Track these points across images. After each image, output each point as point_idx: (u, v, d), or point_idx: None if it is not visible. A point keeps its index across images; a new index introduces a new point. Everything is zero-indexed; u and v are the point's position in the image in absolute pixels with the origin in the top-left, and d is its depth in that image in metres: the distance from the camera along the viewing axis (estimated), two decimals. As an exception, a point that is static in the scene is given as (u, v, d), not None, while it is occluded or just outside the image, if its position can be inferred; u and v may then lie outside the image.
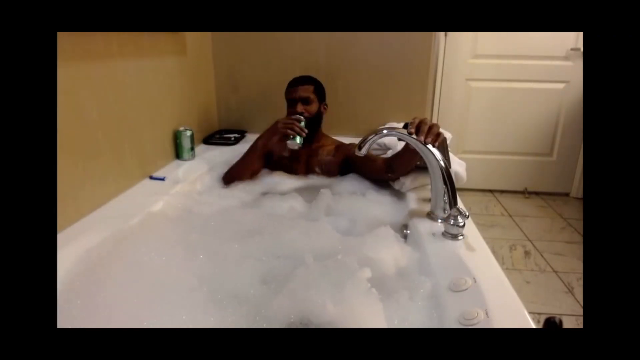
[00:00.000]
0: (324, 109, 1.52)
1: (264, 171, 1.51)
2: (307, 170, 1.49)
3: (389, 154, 1.47)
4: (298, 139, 1.35)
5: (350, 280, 0.76)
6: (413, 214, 1.11)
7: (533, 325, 0.66)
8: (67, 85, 0.97)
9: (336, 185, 1.41)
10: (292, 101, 1.46)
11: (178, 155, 1.57)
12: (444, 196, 1.03)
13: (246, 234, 1.04)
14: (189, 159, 1.57)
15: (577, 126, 2.57)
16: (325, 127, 1.57)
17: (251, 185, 1.43)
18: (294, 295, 0.76)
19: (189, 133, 1.54)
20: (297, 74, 1.95)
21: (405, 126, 1.15)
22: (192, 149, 1.58)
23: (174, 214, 1.19)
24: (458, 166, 1.34)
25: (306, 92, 1.45)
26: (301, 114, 1.41)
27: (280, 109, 1.72)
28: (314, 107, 1.46)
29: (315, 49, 1.88)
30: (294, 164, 1.49)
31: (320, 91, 1.50)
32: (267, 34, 1.89)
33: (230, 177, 1.45)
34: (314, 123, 1.46)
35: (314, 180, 1.47)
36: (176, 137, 1.55)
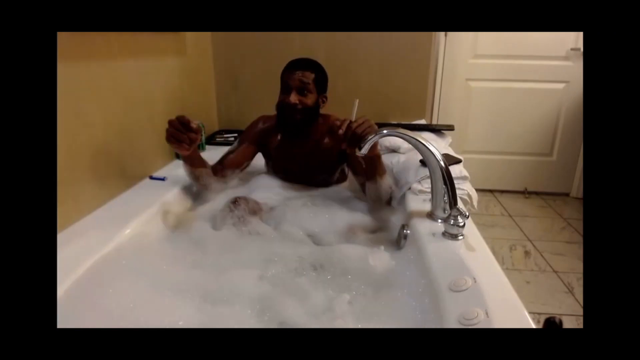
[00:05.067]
0: (323, 101, 1.29)
1: (259, 177, 1.40)
2: (305, 171, 1.35)
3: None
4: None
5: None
6: (413, 214, 1.11)
7: (533, 325, 0.66)
8: (67, 85, 0.97)
9: (331, 191, 1.37)
10: (286, 87, 1.23)
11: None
12: (444, 196, 1.03)
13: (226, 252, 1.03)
14: (189, 159, 1.56)
15: (577, 126, 2.56)
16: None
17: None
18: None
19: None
20: (297, 74, 1.93)
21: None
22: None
23: (171, 221, 1.19)
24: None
25: (305, 79, 1.21)
26: (294, 105, 1.21)
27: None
28: (310, 99, 1.23)
29: (315, 49, 1.88)
30: (288, 165, 1.35)
31: (321, 81, 1.26)
32: (267, 34, 1.89)
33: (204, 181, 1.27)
34: (309, 117, 1.25)
35: (303, 188, 1.36)
36: (176, 137, 1.54)
